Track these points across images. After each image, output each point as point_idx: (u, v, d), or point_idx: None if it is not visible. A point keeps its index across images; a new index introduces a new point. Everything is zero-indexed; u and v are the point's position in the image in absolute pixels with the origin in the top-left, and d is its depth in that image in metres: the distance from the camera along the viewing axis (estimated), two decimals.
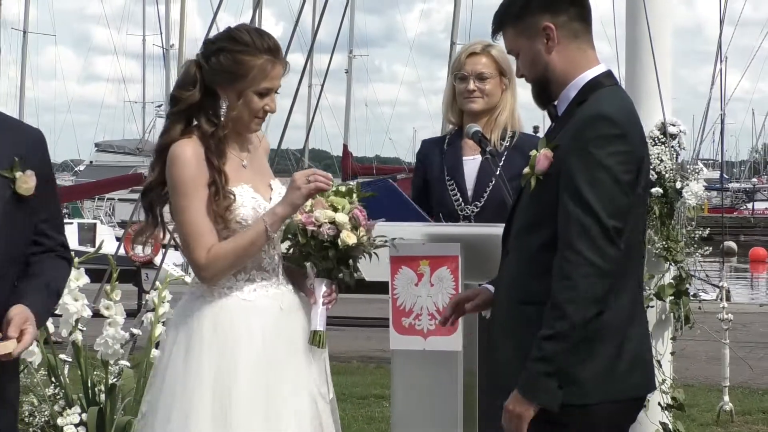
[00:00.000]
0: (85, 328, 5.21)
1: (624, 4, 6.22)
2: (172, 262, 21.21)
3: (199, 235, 3.77)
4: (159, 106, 54.01)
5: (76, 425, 5.14)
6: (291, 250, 3.96)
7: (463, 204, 5.00)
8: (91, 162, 55.68)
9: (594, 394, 3.33)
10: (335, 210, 3.85)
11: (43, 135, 3.45)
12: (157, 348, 5.28)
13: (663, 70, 5.98)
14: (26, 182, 3.29)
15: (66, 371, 5.44)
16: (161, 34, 48.84)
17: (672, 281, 5.99)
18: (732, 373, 8.76)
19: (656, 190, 5.87)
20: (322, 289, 3.89)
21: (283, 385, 3.80)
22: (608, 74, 3.51)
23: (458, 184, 5.02)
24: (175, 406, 3.76)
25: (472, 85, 5.02)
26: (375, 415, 8.63)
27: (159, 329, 5.21)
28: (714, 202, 39.28)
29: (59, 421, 5.15)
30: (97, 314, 5.22)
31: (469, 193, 5.00)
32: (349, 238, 3.83)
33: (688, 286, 6.05)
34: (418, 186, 5.16)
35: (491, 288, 3.68)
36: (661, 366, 5.85)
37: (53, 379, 5.30)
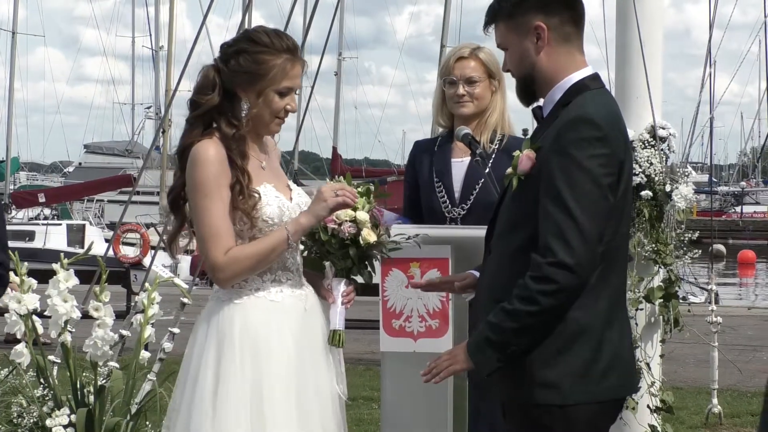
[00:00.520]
0: (74, 330, 5.18)
1: (614, 6, 6.20)
2: (161, 263, 21.25)
3: (218, 237, 3.76)
4: (148, 107, 54.04)
5: (65, 426, 5.11)
6: (306, 253, 3.98)
7: (450, 206, 5.00)
8: (80, 163, 55.63)
9: (571, 396, 3.35)
10: (354, 209, 3.88)
11: None
12: (146, 349, 5.28)
13: (653, 73, 5.97)
14: None
15: (55, 372, 5.42)
16: (150, 35, 48.93)
17: (661, 284, 6.00)
18: (721, 376, 8.77)
19: (646, 193, 5.88)
20: (340, 288, 3.94)
21: (308, 385, 3.82)
22: (594, 77, 3.51)
23: (446, 187, 5.02)
24: (208, 411, 3.73)
25: (461, 90, 5.02)
26: (364, 417, 8.64)
27: (148, 331, 5.20)
28: (703, 205, 39.27)
29: (48, 422, 5.13)
30: (86, 315, 5.20)
31: (457, 195, 5.01)
32: (369, 236, 3.88)
33: (677, 289, 6.06)
34: (411, 186, 5.17)
35: (477, 273, 3.76)
36: (650, 369, 5.87)
37: (42, 380, 5.27)
